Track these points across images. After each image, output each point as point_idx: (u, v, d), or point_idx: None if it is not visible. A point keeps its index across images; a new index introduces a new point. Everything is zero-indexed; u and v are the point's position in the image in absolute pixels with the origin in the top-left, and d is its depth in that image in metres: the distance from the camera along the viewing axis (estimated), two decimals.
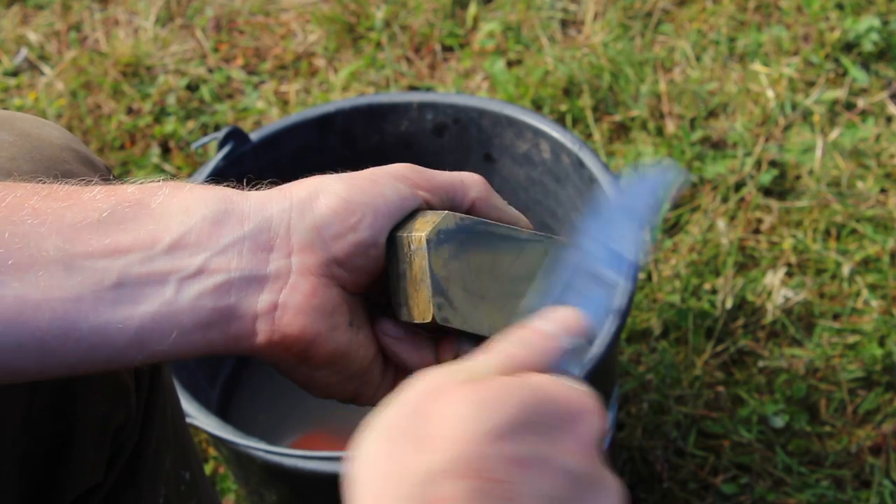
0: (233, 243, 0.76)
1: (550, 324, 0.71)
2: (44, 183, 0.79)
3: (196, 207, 0.76)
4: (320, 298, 0.78)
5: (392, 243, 0.80)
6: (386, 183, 0.80)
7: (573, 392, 0.66)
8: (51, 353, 0.74)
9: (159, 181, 0.79)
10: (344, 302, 0.79)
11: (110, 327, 0.74)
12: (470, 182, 0.83)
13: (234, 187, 0.80)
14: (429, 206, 0.81)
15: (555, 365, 0.69)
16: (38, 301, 0.73)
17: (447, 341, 0.82)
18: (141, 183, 0.78)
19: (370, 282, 0.81)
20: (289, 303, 0.77)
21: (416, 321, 0.80)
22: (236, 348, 0.78)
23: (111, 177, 0.98)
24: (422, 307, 0.79)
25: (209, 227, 0.76)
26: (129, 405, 0.95)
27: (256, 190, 0.80)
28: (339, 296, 0.79)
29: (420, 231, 0.79)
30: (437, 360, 0.81)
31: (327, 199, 0.78)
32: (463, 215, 0.80)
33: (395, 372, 0.83)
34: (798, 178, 2.08)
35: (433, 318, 0.78)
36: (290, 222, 0.77)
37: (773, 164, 2.09)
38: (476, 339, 0.81)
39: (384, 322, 0.82)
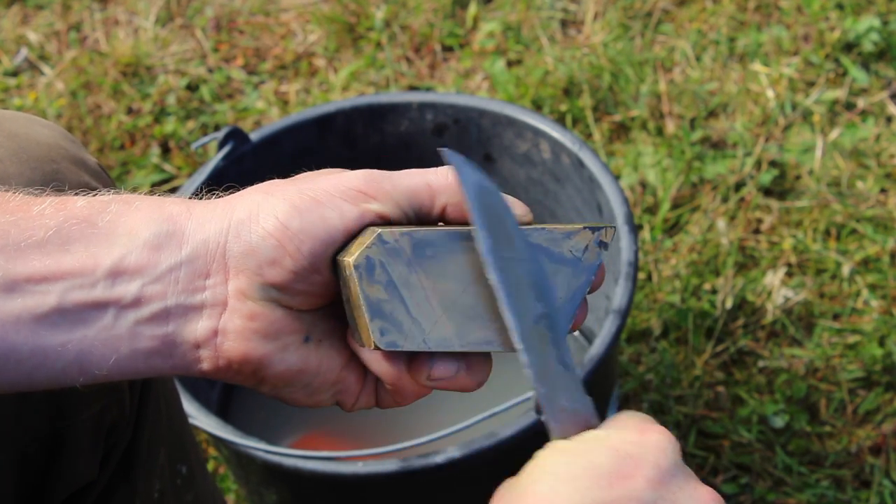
0: (170, 269, 0.75)
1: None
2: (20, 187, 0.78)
3: (140, 229, 0.75)
4: (262, 322, 0.76)
5: (336, 267, 0.76)
6: (330, 203, 0.75)
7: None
8: None
9: (110, 195, 0.77)
10: (294, 320, 0.77)
11: (50, 351, 0.74)
12: (439, 187, 0.77)
13: (189, 197, 0.78)
14: (386, 221, 0.76)
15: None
16: None
17: (419, 357, 0.77)
18: (93, 195, 0.77)
19: (324, 301, 0.78)
20: (228, 328, 0.75)
21: (366, 348, 0.76)
22: (185, 373, 0.77)
23: (104, 174, 0.98)
24: (366, 334, 0.75)
25: (149, 252, 0.75)
26: (122, 403, 0.95)
27: (209, 199, 0.78)
28: (287, 316, 0.77)
29: (350, 256, 0.74)
30: (409, 373, 0.78)
31: (265, 221, 0.75)
32: (404, 230, 0.74)
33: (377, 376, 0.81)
34: (798, 178, 2.08)
35: (375, 346, 0.75)
36: (227, 245, 0.75)
37: (773, 164, 2.09)
38: (455, 354, 0.76)
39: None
